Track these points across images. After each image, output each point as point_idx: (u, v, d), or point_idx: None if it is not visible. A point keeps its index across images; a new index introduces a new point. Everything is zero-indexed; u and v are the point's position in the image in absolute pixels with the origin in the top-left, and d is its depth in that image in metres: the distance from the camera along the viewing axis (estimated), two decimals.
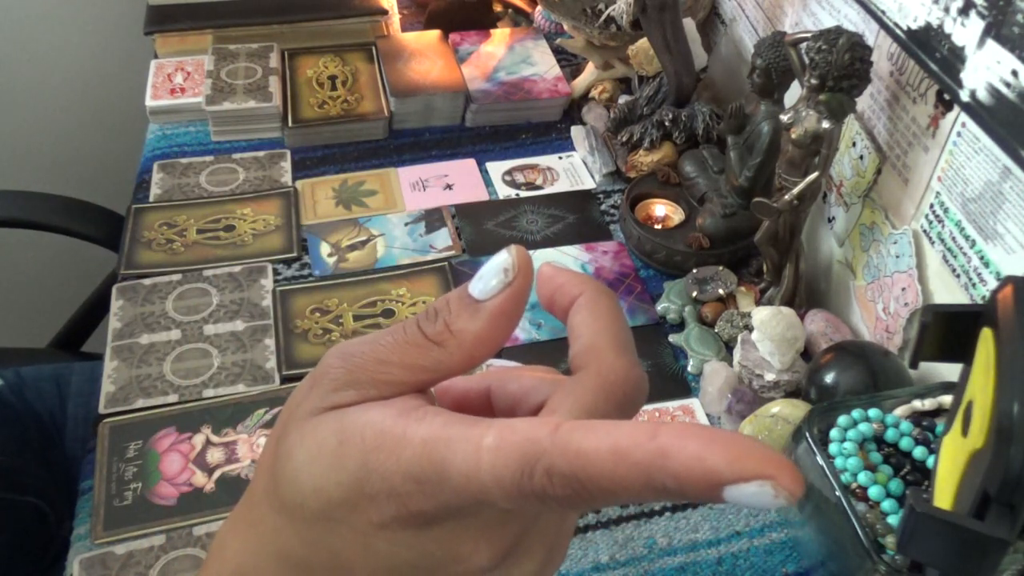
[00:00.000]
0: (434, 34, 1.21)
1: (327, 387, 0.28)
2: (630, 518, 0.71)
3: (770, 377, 0.77)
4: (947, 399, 0.65)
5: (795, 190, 0.77)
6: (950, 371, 0.68)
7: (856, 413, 0.64)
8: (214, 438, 0.75)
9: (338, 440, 0.27)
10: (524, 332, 0.85)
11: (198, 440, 0.75)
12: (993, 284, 0.66)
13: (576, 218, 0.99)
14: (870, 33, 0.79)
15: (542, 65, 1.17)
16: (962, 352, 0.53)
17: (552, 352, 0.84)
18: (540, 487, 0.24)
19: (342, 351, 0.28)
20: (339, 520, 0.27)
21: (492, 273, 0.28)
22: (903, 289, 0.76)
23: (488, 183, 1.04)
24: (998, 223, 0.65)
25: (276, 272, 0.91)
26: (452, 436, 0.25)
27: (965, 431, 0.50)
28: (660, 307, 0.88)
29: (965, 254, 0.69)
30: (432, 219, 0.98)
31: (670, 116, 1.00)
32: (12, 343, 1.20)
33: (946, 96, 0.70)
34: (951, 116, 0.69)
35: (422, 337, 0.28)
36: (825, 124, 0.73)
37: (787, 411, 0.71)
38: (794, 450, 0.65)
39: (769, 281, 0.88)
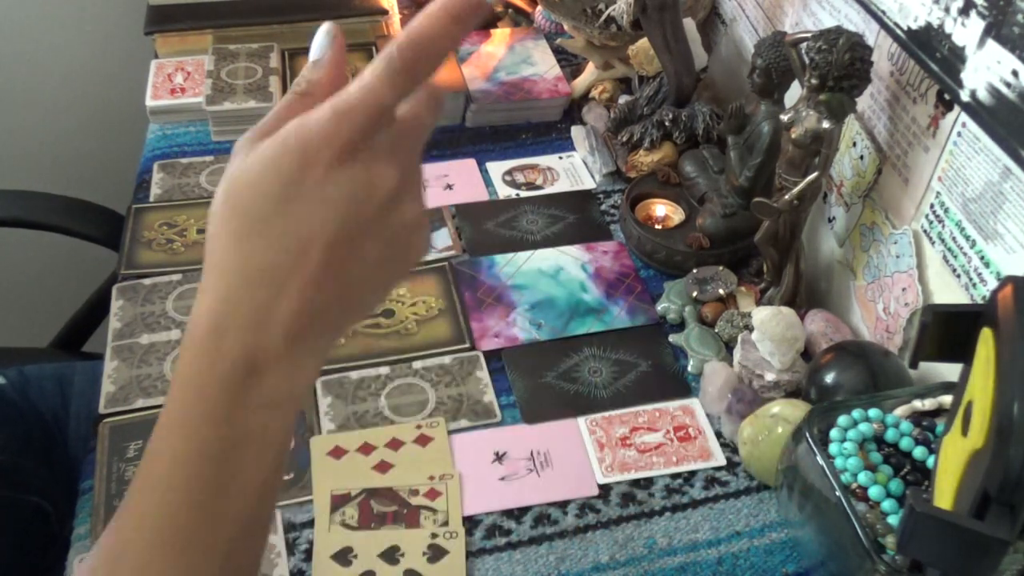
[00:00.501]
0: None
1: (250, 142, 0.38)
2: (630, 518, 0.71)
3: (770, 377, 0.77)
4: (947, 399, 0.65)
5: (795, 190, 0.77)
6: (950, 371, 0.68)
7: (856, 413, 0.64)
8: None
9: (274, 143, 0.37)
10: (524, 332, 0.85)
11: None
12: (993, 284, 0.66)
13: (576, 218, 0.99)
14: (870, 33, 0.79)
15: (542, 65, 1.17)
16: (962, 352, 0.53)
17: (552, 351, 0.84)
18: (400, 62, 0.37)
19: (249, 130, 0.39)
20: (294, 193, 0.36)
21: (321, 39, 0.41)
22: (903, 289, 0.76)
23: (488, 183, 1.04)
24: (998, 223, 0.65)
25: None
26: (345, 87, 0.37)
27: (965, 431, 0.50)
28: (660, 307, 0.88)
29: (965, 254, 0.69)
30: (432, 219, 0.98)
31: (670, 116, 1.00)
32: (13, 343, 1.20)
33: (946, 96, 0.70)
34: (951, 116, 0.69)
35: (298, 96, 0.40)
36: (825, 124, 0.73)
37: (787, 411, 0.71)
38: (794, 450, 0.65)
39: (769, 281, 0.88)
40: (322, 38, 0.41)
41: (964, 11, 0.66)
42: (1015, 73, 0.61)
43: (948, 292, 0.72)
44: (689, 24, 1.05)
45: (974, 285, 0.68)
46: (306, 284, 0.37)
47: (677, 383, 0.82)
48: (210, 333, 0.37)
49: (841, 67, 0.71)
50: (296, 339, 0.37)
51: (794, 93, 0.81)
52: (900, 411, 0.65)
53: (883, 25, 0.77)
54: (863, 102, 0.81)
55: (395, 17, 1.27)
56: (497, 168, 1.06)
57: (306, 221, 0.36)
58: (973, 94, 0.66)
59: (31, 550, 0.85)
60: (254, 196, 0.36)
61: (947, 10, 0.68)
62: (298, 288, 0.36)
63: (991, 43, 0.63)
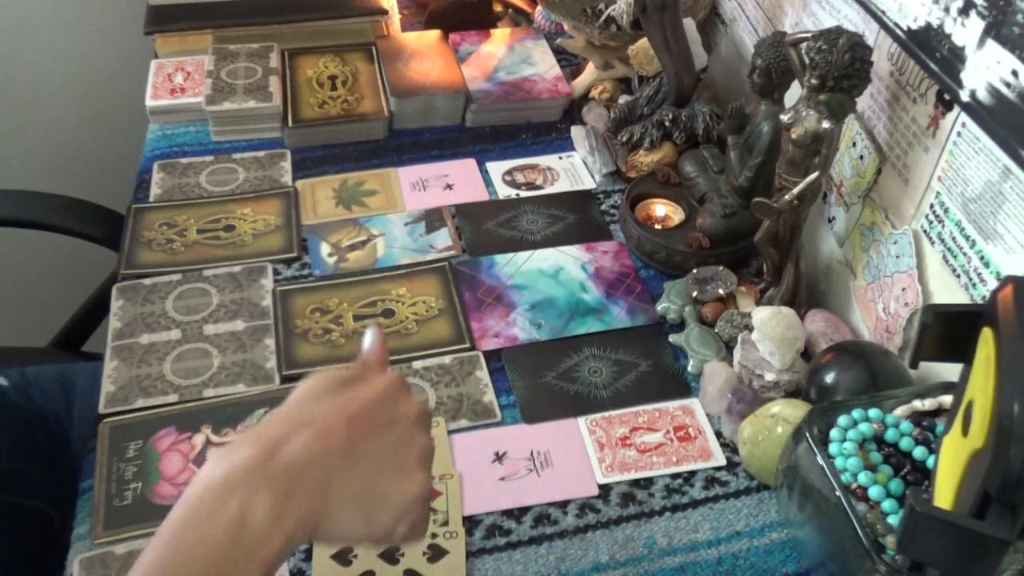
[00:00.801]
0: (434, 34, 1.21)
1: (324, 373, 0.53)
2: (630, 518, 0.71)
3: (770, 377, 0.77)
4: (947, 399, 0.65)
5: (795, 190, 0.77)
6: (950, 371, 0.68)
7: (856, 413, 0.64)
8: (214, 438, 0.75)
9: (347, 372, 0.53)
10: (524, 332, 0.85)
11: (198, 440, 0.75)
12: (993, 284, 0.66)
13: (576, 218, 0.99)
14: (870, 33, 0.79)
15: (542, 65, 1.17)
16: (962, 352, 0.53)
17: (552, 351, 0.84)
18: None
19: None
20: (350, 388, 0.50)
21: (371, 335, 0.55)
22: (903, 289, 0.76)
23: (488, 183, 1.04)
24: (998, 223, 0.65)
25: (276, 272, 0.91)
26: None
27: (965, 431, 0.50)
28: (660, 307, 0.88)
29: (965, 254, 0.69)
30: (432, 219, 0.98)
31: (670, 116, 1.00)
32: (12, 343, 1.20)
33: (946, 96, 0.70)
34: (951, 116, 0.69)
35: (361, 366, 0.53)
36: (825, 124, 0.73)
37: (787, 411, 0.71)
38: (794, 450, 0.65)
39: (769, 281, 0.88)
40: (372, 334, 0.55)
41: (964, 11, 0.66)
42: (1015, 73, 0.61)
43: (948, 292, 0.72)
44: (689, 24, 1.05)
45: (974, 285, 0.68)
46: (322, 429, 0.46)
47: (677, 383, 0.82)
48: (229, 449, 0.45)
49: (841, 67, 0.71)
50: (298, 469, 0.44)
51: (794, 93, 0.81)
52: (900, 411, 0.65)
53: (883, 25, 0.77)
54: (863, 102, 0.81)
55: (395, 17, 1.27)
56: (497, 168, 1.06)
57: (351, 398, 0.49)
58: (973, 94, 0.66)
59: (33, 554, 0.85)
60: (326, 384, 0.49)
61: (947, 10, 0.68)
62: (319, 429, 0.46)
63: (991, 43, 0.63)
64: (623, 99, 1.09)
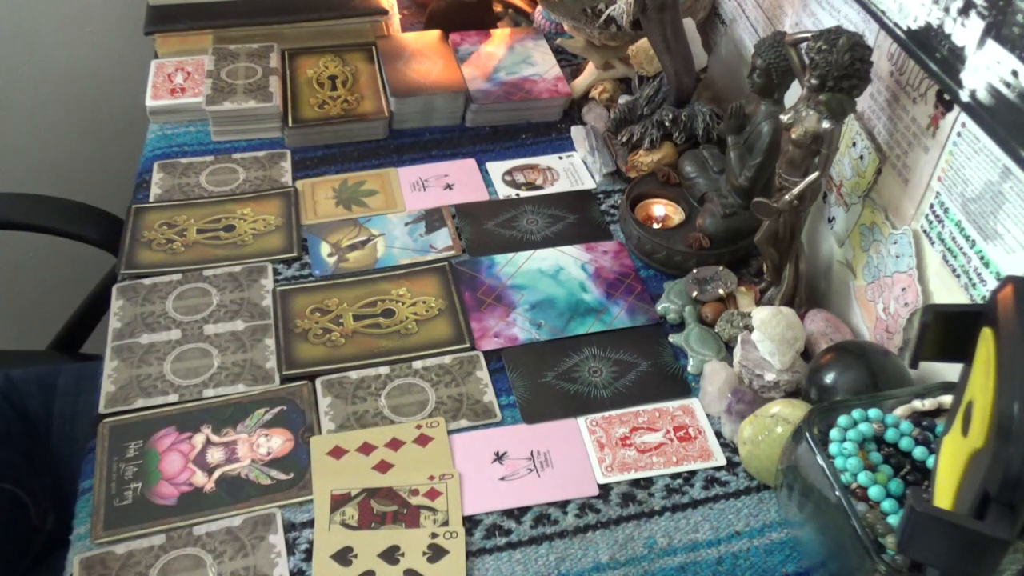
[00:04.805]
0: (434, 34, 1.21)
1: None
2: (630, 518, 0.71)
3: (770, 377, 0.77)
4: (947, 399, 0.65)
5: (795, 190, 0.77)
6: (950, 371, 0.68)
7: (856, 413, 0.64)
8: (214, 438, 0.76)
9: None
10: (524, 332, 0.85)
11: (198, 440, 0.75)
12: (993, 284, 0.66)
13: (576, 218, 0.99)
14: (870, 33, 0.79)
15: (542, 65, 1.17)
16: (962, 352, 0.53)
17: (552, 351, 0.84)
18: None
19: None
20: None
21: None
22: (903, 289, 0.76)
23: (488, 183, 1.04)
24: (998, 223, 0.65)
25: (276, 272, 0.91)
26: None
27: (965, 431, 0.50)
28: (660, 307, 0.88)
29: (965, 254, 0.69)
30: (432, 219, 0.98)
31: (670, 116, 1.00)
32: (11, 346, 1.20)
33: (946, 96, 0.70)
34: (951, 116, 0.69)
35: None
36: (825, 124, 0.73)
37: (787, 411, 0.71)
38: (794, 450, 0.65)
39: (769, 281, 0.88)
40: None
41: (964, 11, 0.66)
42: (1015, 73, 0.61)
43: (948, 292, 0.72)
44: (689, 24, 1.05)
45: (974, 285, 0.68)
46: None
47: (677, 383, 0.82)
48: None
49: (841, 67, 0.71)
50: None
51: (794, 93, 0.81)
52: (900, 411, 0.65)
53: (883, 25, 0.77)
54: (863, 102, 0.81)
55: (395, 17, 1.27)
56: (497, 168, 1.06)
57: None
58: (973, 94, 0.66)
59: (12, 539, 0.87)
60: None
61: (947, 10, 0.68)
62: None
63: (991, 43, 0.63)
64: (623, 99, 1.09)
